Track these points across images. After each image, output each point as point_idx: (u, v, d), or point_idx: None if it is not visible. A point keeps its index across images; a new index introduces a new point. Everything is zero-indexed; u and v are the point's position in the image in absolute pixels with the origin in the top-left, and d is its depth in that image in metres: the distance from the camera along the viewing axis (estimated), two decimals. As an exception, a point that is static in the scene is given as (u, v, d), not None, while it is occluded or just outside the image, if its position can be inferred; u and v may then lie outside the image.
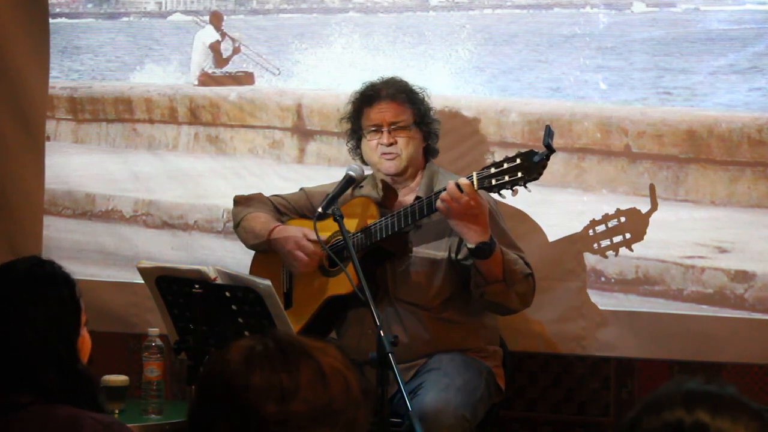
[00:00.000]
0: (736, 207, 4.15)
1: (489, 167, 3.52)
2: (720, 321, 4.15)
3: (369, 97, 3.85)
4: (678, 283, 4.19)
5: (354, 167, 3.78)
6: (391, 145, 3.80)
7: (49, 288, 2.46)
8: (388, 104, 3.83)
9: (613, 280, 4.26)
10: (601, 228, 4.16)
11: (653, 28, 4.33)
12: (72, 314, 2.47)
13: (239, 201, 4.08)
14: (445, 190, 3.52)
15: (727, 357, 4.16)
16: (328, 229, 3.72)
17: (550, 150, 3.43)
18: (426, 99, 3.91)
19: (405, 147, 3.81)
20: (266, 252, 3.96)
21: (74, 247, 4.95)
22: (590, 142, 4.29)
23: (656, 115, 4.23)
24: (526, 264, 3.71)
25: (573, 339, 4.32)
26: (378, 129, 3.81)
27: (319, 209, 3.62)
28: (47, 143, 5.03)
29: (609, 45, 4.31)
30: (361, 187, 3.92)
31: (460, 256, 3.73)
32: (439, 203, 3.53)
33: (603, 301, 4.28)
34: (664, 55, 4.27)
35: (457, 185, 3.50)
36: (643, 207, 4.16)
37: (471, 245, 3.56)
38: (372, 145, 3.83)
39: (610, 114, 4.28)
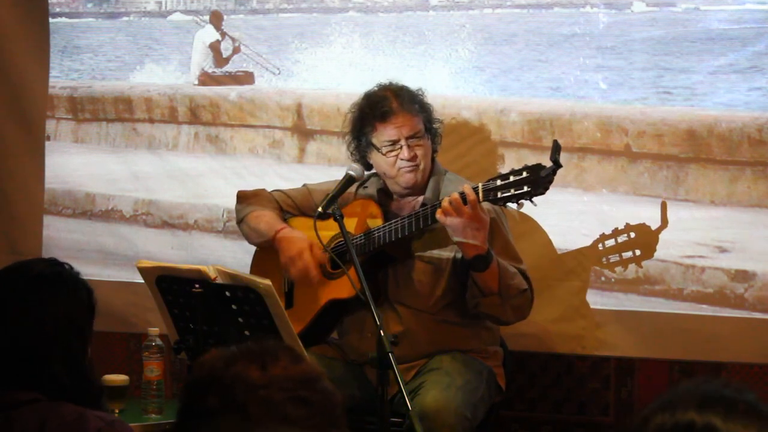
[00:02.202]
0: (736, 207, 4.15)
1: (495, 179, 3.49)
2: (720, 321, 4.15)
3: (383, 112, 3.75)
4: (678, 282, 4.19)
5: (354, 167, 3.76)
6: (412, 159, 3.76)
7: (70, 287, 2.55)
8: (404, 117, 3.75)
9: (613, 280, 4.26)
10: (610, 242, 4.15)
11: (653, 27, 4.33)
12: (88, 316, 2.55)
13: (242, 197, 4.06)
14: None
15: (727, 357, 4.16)
16: (328, 228, 3.71)
17: (557, 165, 3.43)
18: (426, 99, 3.88)
19: (423, 158, 3.77)
20: (267, 250, 3.96)
21: (74, 247, 4.95)
22: (590, 142, 4.29)
23: (656, 114, 4.23)
24: (526, 278, 3.69)
25: (573, 339, 4.32)
26: (395, 143, 3.77)
27: (320, 209, 3.61)
28: (47, 143, 5.03)
29: (609, 45, 4.31)
30: (366, 187, 3.91)
31: (463, 259, 3.71)
32: (439, 214, 3.51)
33: (603, 301, 4.28)
34: (664, 55, 4.27)
35: (462, 196, 3.47)
36: (643, 207, 4.16)
37: (467, 257, 3.56)
38: (390, 160, 3.76)
39: (610, 114, 4.28)
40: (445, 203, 3.50)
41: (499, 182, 3.48)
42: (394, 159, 3.75)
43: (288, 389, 1.62)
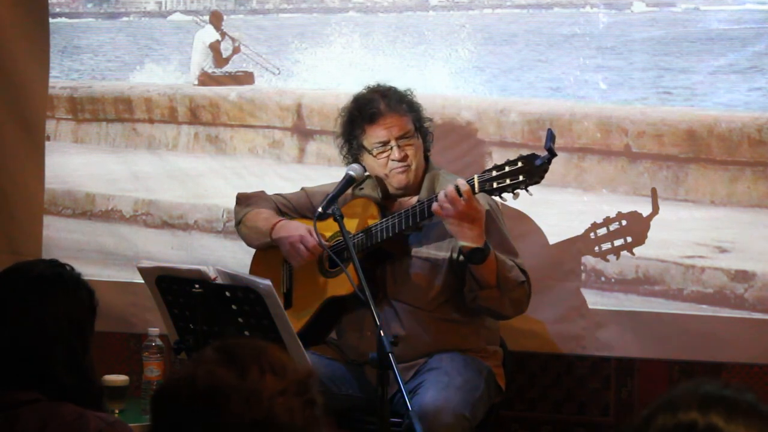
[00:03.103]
0: (736, 207, 4.15)
1: (490, 170, 3.51)
2: (720, 321, 4.15)
3: (371, 114, 3.77)
4: (678, 283, 4.20)
5: (354, 167, 3.77)
6: (403, 159, 3.77)
7: (71, 288, 2.56)
8: (392, 118, 3.76)
9: (613, 280, 4.26)
10: (602, 231, 4.16)
11: (653, 28, 4.33)
12: (89, 316, 2.55)
13: (241, 199, 4.07)
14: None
15: (727, 357, 4.16)
16: (328, 229, 3.72)
17: (552, 154, 3.43)
18: (416, 99, 3.88)
19: (414, 158, 3.78)
20: (266, 251, 3.96)
21: (74, 247, 4.95)
22: (590, 142, 4.29)
23: (656, 115, 4.23)
24: (522, 271, 3.69)
25: (573, 339, 4.32)
26: (386, 145, 3.77)
27: (320, 209, 3.62)
28: (47, 143, 5.03)
29: (609, 45, 4.31)
30: (362, 188, 3.92)
31: (461, 257, 3.71)
32: (435, 206, 3.52)
33: (603, 301, 4.28)
34: (664, 55, 4.27)
35: (456, 189, 3.48)
36: (643, 207, 4.16)
37: (465, 250, 3.56)
38: (381, 162, 3.77)
39: (610, 114, 4.28)
40: (440, 196, 3.51)
41: (494, 173, 3.49)
42: (385, 160, 3.76)
43: (300, 394, 1.63)
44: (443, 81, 4.46)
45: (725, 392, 1.43)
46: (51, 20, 5.00)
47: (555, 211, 4.28)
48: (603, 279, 4.27)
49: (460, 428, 3.55)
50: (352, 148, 3.84)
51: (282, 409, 1.61)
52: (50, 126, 5.05)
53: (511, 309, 3.72)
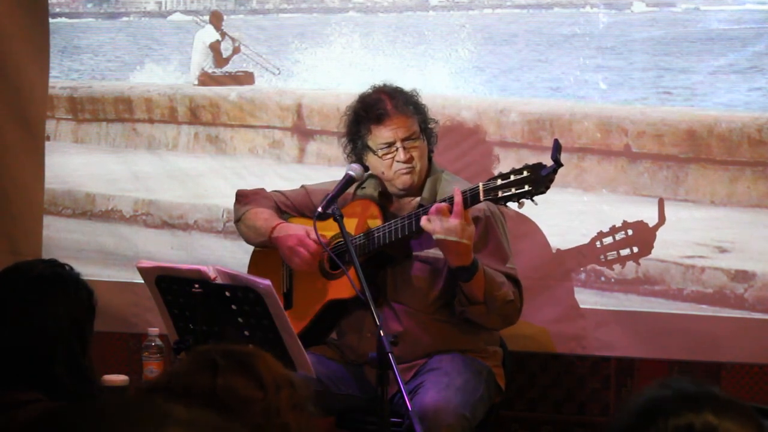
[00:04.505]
0: (736, 207, 4.16)
1: (495, 178, 3.47)
2: (720, 321, 4.15)
3: (378, 115, 3.75)
4: (678, 283, 4.20)
5: (354, 167, 3.76)
6: (408, 161, 3.76)
7: (70, 288, 2.58)
8: (398, 119, 3.74)
9: (613, 280, 4.26)
10: (608, 240, 4.15)
11: (653, 28, 4.33)
12: (88, 316, 2.55)
13: (241, 196, 4.05)
14: (445, 197, 3.51)
15: (727, 357, 4.16)
16: (328, 229, 3.71)
17: (558, 164, 3.42)
18: (421, 100, 3.87)
19: (419, 159, 3.76)
20: (265, 251, 3.95)
21: (74, 247, 4.95)
22: (590, 142, 4.29)
23: (656, 115, 4.23)
24: (515, 281, 3.67)
25: (573, 339, 4.32)
26: (391, 146, 3.76)
27: (319, 209, 3.61)
28: (47, 143, 5.03)
29: (609, 45, 4.31)
30: (363, 188, 3.91)
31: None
32: (423, 221, 3.49)
33: (603, 301, 4.28)
34: (664, 55, 4.27)
35: (450, 201, 3.47)
36: (644, 207, 4.16)
37: (451, 266, 3.55)
38: (386, 163, 3.75)
39: (610, 114, 4.28)
40: (431, 211, 3.48)
41: (499, 182, 3.46)
42: (390, 161, 3.75)
43: (307, 406, 1.68)
44: (443, 81, 4.46)
45: (702, 389, 1.45)
46: (51, 20, 5.00)
47: (555, 211, 4.28)
48: (603, 279, 4.27)
49: (461, 428, 3.55)
50: (357, 148, 3.82)
51: (295, 424, 1.63)
52: (50, 126, 5.05)
53: (500, 323, 3.73)
